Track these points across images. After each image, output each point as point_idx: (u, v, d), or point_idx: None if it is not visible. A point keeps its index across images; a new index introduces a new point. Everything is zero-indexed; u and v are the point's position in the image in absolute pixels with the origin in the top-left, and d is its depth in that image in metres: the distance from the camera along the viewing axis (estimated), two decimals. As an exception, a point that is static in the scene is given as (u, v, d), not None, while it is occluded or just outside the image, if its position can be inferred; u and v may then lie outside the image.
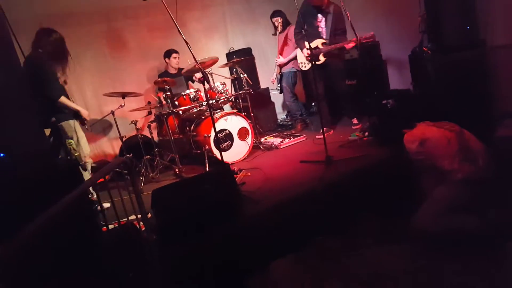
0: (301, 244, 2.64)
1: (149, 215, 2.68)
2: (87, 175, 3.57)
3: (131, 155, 4.12)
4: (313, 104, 6.24)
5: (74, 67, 4.58)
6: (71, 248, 2.02)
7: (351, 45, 3.96)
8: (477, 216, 2.21)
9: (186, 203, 2.49)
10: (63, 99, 3.44)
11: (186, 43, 2.79)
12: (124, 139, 4.40)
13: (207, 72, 3.04)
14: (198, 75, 4.97)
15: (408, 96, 4.70)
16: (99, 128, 5.07)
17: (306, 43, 4.33)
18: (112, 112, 4.19)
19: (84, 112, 3.63)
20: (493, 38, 3.80)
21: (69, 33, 4.78)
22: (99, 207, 2.30)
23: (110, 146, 5.28)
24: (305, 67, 4.50)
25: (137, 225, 2.80)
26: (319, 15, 4.20)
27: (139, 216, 2.71)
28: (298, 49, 4.55)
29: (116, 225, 2.65)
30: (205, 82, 2.85)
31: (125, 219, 2.52)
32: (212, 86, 4.23)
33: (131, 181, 2.30)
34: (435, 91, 3.93)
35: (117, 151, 5.19)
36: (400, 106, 4.29)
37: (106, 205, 3.08)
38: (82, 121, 3.66)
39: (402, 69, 5.28)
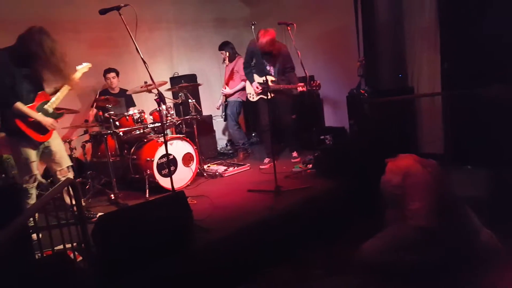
0: (253, 274, 2.60)
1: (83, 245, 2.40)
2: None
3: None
4: (253, 134, 6.38)
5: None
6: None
7: (299, 89, 4.13)
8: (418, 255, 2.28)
9: (135, 231, 2.30)
10: (18, 105, 2.88)
11: (144, 62, 2.72)
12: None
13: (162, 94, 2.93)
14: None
15: (345, 133, 5.09)
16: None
17: (256, 76, 4.46)
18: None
19: (47, 122, 3.01)
20: (419, 86, 4.32)
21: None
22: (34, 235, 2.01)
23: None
24: (253, 98, 4.60)
25: (71, 255, 2.51)
26: (267, 56, 4.32)
27: (75, 244, 2.45)
28: (247, 81, 4.64)
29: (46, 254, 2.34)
30: (161, 103, 2.76)
31: (58, 248, 2.24)
32: (165, 109, 4.08)
33: (77, 206, 2.05)
34: (370, 130, 4.30)
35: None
36: (339, 142, 4.61)
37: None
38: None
39: (337, 108, 5.69)
